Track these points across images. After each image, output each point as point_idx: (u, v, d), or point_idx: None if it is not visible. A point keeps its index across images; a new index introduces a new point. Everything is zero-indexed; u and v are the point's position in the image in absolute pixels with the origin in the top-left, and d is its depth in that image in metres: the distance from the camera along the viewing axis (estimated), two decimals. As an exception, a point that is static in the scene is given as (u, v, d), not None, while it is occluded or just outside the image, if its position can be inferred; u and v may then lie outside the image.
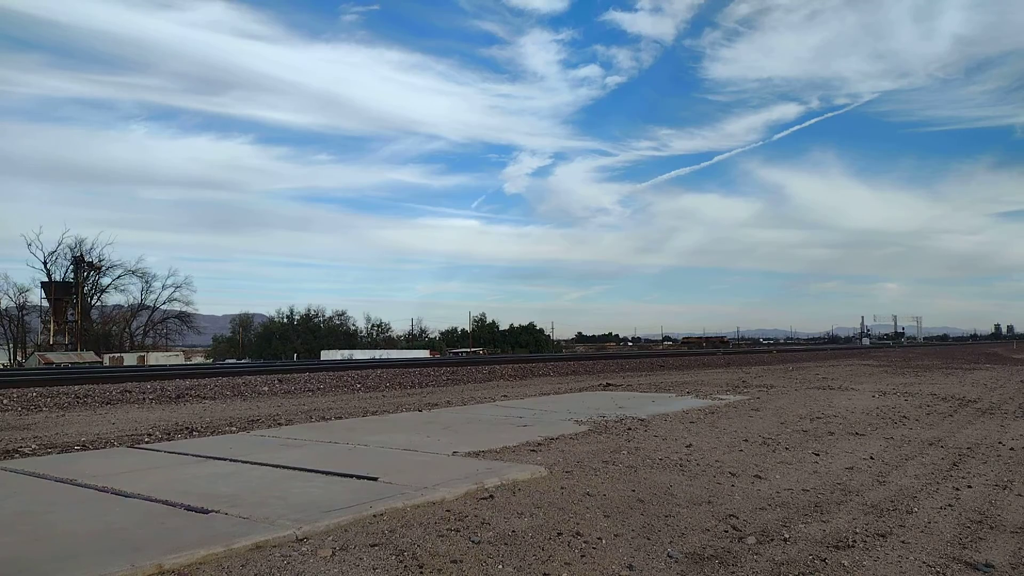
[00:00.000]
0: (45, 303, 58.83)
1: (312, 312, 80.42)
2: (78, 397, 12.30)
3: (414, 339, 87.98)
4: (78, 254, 62.17)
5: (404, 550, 3.40)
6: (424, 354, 62.07)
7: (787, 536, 3.84)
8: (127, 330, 70.65)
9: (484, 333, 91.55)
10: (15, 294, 64.60)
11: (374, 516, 3.93)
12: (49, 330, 56.01)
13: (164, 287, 71.06)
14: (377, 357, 49.66)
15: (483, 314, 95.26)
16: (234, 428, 8.21)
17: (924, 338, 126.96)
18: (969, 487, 5.22)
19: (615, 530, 3.87)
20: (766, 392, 13.11)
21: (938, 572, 3.35)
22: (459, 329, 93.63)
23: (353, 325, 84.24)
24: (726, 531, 3.91)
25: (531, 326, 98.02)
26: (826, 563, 3.41)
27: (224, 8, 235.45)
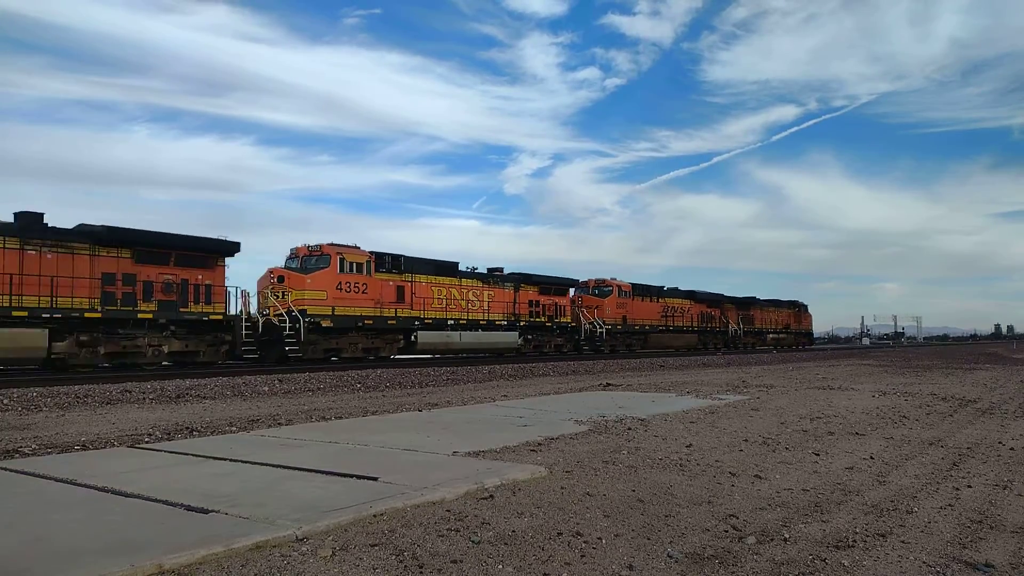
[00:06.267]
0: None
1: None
2: (78, 397, 12.30)
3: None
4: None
5: (404, 550, 3.40)
6: None
7: (787, 536, 3.84)
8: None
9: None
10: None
11: (374, 516, 3.93)
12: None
13: (164, 287, 71.00)
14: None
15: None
16: (234, 428, 8.21)
17: (924, 338, 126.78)
18: (969, 487, 5.22)
19: (615, 530, 3.87)
20: (766, 392, 13.11)
21: (938, 572, 3.35)
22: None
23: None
24: (726, 531, 3.92)
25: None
26: (826, 563, 3.41)
27: (226, 11, 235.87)
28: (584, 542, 3.64)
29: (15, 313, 16.43)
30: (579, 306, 36.50)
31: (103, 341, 18.35)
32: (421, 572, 3.15)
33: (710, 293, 48.01)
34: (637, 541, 3.69)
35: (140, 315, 18.93)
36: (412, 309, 26.58)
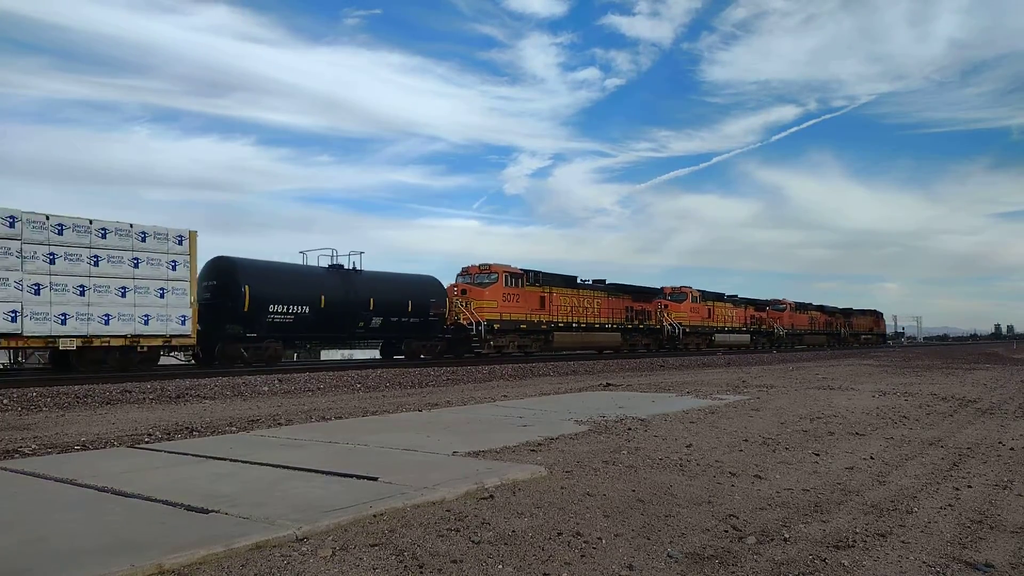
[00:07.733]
0: (45, 303, 58.78)
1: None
2: (78, 397, 12.29)
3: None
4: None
5: (404, 550, 3.41)
6: None
7: (787, 536, 3.84)
8: (127, 330, 70.51)
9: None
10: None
11: (374, 516, 3.93)
12: (49, 330, 56.11)
13: (164, 287, 70.91)
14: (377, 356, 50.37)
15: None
16: (234, 428, 8.21)
17: (924, 338, 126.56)
18: (969, 487, 5.22)
19: (615, 530, 3.87)
20: (766, 392, 13.12)
21: (938, 572, 3.35)
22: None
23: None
24: (726, 531, 3.92)
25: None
26: (826, 563, 3.41)
27: (227, 12, 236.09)
28: (584, 542, 3.64)
29: (609, 325, 37.06)
30: (769, 317, 55.64)
31: (626, 341, 38.62)
32: (421, 572, 3.16)
33: (830, 307, 68.26)
34: (637, 541, 3.69)
35: (639, 328, 39.66)
36: (713, 322, 47.44)
